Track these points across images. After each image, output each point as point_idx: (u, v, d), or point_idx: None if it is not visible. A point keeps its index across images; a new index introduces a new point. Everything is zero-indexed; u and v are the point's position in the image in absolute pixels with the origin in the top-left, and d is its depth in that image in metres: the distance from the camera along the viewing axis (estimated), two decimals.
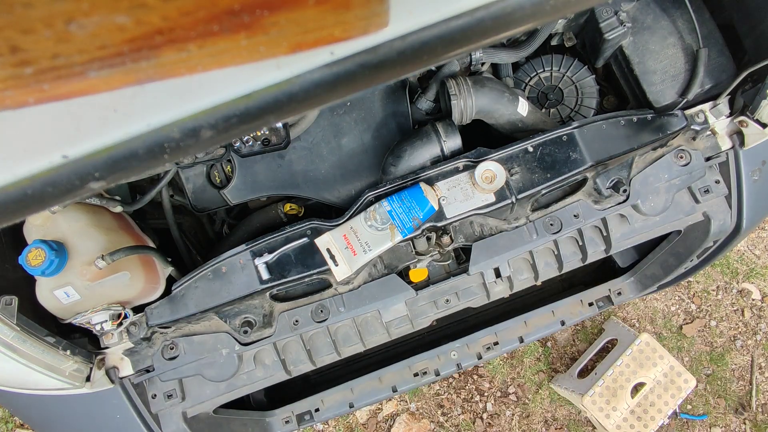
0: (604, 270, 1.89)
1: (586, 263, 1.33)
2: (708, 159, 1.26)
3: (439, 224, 1.18)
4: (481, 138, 1.37)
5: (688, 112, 1.25)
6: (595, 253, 1.32)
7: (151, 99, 0.42)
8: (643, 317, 2.51)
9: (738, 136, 1.26)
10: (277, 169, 1.34)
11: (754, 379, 2.41)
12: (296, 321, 1.25)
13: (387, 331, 1.29)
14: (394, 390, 1.66)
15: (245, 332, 1.23)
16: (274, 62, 0.43)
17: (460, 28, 0.44)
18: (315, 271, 1.18)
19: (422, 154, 1.25)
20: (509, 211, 1.24)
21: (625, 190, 1.23)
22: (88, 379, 1.20)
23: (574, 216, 1.26)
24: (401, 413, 2.44)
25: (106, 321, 1.18)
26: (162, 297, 1.23)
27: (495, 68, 1.45)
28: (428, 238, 1.21)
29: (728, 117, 1.28)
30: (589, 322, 2.51)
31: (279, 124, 1.20)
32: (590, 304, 1.73)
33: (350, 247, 1.15)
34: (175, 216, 1.40)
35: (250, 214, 1.49)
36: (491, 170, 1.15)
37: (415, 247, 1.23)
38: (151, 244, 1.35)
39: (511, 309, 1.90)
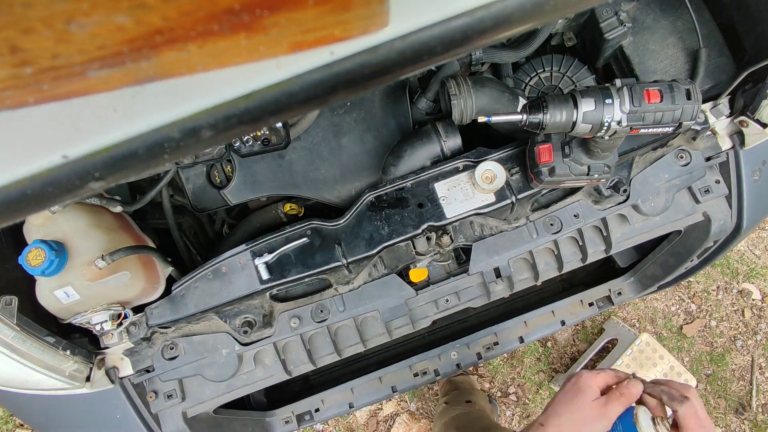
0: (605, 270, 1.89)
1: (586, 263, 1.33)
2: (708, 159, 1.26)
3: (439, 224, 1.18)
4: (481, 138, 1.37)
5: None
6: (595, 253, 1.32)
7: (151, 99, 0.42)
8: (643, 317, 2.51)
9: (738, 136, 1.26)
10: (277, 169, 1.34)
11: (754, 380, 2.41)
12: (296, 321, 1.25)
13: (387, 332, 1.29)
14: (394, 390, 1.66)
15: (245, 332, 1.23)
16: (274, 62, 0.43)
17: (460, 28, 0.44)
18: (315, 271, 1.18)
19: (422, 154, 1.25)
20: (509, 211, 1.24)
21: (625, 190, 1.23)
22: (88, 379, 1.20)
23: (574, 216, 1.26)
24: (401, 413, 2.44)
25: (106, 321, 1.18)
26: (162, 297, 1.24)
27: (495, 68, 1.45)
28: (428, 238, 1.21)
29: (728, 117, 1.28)
30: (589, 322, 2.51)
31: (279, 124, 1.20)
32: (590, 305, 1.73)
33: None
34: (175, 216, 1.41)
35: (250, 214, 1.49)
36: (491, 170, 1.15)
37: (415, 247, 1.23)
38: (151, 244, 1.35)
39: (511, 309, 1.90)
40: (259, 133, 1.22)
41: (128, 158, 0.43)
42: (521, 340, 1.68)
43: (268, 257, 1.17)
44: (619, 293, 1.73)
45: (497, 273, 1.27)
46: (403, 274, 1.29)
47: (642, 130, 0.95)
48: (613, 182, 1.24)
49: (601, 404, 0.88)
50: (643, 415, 0.90)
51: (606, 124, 0.94)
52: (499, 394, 2.46)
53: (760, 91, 1.20)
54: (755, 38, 1.22)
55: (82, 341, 1.24)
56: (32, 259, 1.04)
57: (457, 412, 1.87)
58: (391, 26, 0.43)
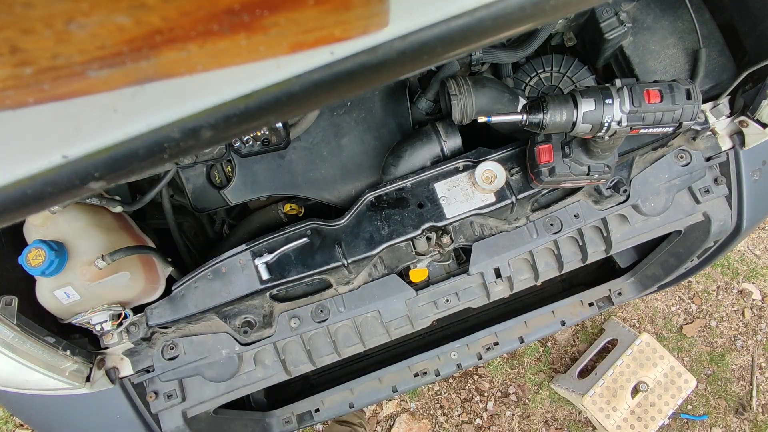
0: (605, 270, 1.89)
1: (586, 263, 1.33)
2: (708, 159, 1.26)
3: (439, 224, 1.18)
4: (481, 138, 1.37)
5: None
6: (596, 254, 1.32)
7: (151, 99, 0.42)
8: (643, 317, 2.51)
9: (738, 136, 1.26)
10: (277, 169, 1.34)
11: (754, 380, 2.41)
12: (296, 321, 1.25)
13: (387, 332, 1.29)
14: (394, 390, 1.66)
15: (245, 332, 1.23)
16: (274, 62, 0.43)
17: (460, 28, 0.44)
18: (315, 271, 1.18)
19: (422, 154, 1.25)
20: (509, 211, 1.24)
21: (625, 191, 1.23)
22: (88, 379, 1.20)
23: (575, 216, 1.26)
24: (401, 413, 2.44)
25: (106, 321, 1.18)
26: (162, 297, 1.23)
27: (495, 68, 1.45)
28: (428, 238, 1.21)
29: (728, 117, 1.28)
30: (589, 323, 2.51)
31: (279, 124, 1.20)
32: (590, 305, 1.73)
33: None
34: (175, 216, 1.40)
35: (250, 214, 1.49)
36: (491, 170, 1.15)
37: (415, 247, 1.23)
38: (151, 244, 1.35)
39: (512, 309, 1.90)
40: (259, 133, 1.22)
41: (128, 158, 0.43)
42: (521, 340, 1.68)
43: (268, 257, 1.17)
44: (619, 293, 1.73)
45: (497, 273, 1.27)
46: (403, 274, 1.29)
47: (642, 130, 0.95)
48: (613, 182, 1.24)
49: None
50: None
51: (606, 124, 0.94)
52: (499, 394, 2.46)
53: (760, 91, 1.19)
54: (755, 38, 1.22)
55: (82, 341, 1.24)
56: (32, 259, 1.04)
57: None
58: (391, 26, 0.43)
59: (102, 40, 0.35)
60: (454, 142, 1.25)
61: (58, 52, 0.35)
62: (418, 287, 1.29)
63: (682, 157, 1.25)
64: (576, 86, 1.41)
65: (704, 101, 1.28)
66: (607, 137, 0.97)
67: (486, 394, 2.47)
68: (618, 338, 2.34)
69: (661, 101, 0.92)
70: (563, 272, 1.33)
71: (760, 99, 1.20)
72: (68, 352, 1.15)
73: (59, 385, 1.16)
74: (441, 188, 1.20)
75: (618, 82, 0.94)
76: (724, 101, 1.28)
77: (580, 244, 1.31)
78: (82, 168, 0.43)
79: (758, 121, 1.23)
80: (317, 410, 1.66)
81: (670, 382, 2.14)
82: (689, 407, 2.39)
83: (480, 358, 1.65)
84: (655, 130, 0.95)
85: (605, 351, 2.38)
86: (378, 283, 1.26)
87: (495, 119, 0.99)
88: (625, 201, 1.25)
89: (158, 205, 1.46)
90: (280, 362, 1.29)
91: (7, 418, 2.45)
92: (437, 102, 1.36)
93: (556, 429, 2.40)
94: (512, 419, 2.43)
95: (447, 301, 1.30)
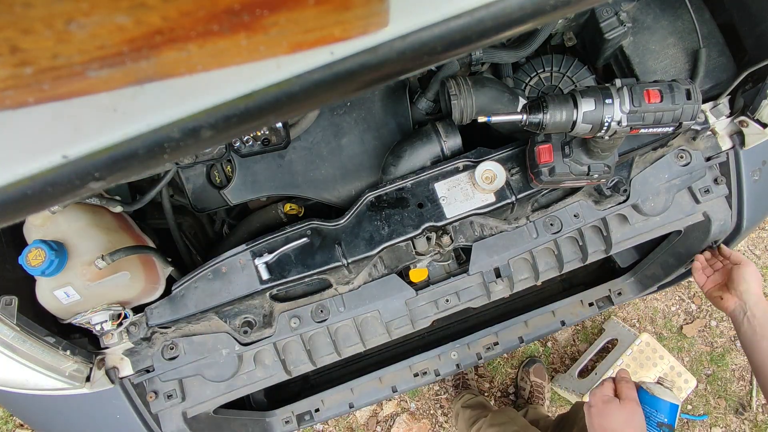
0: (605, 270, 1.89)
1: (586, 263, 1.33)
2: (708, 159, 1.26)
3: (439, 224, 1.18)
4: (481, 138, 1.37)
5: None
6: (596, 253, 1.32)
7: (151, 99, 0.42)
8: (643, 317, 2.51)
9: (738, 136, 1.26)
10: (277, 169, 1.34)
11: (754, 380, 2.41)
12: (296, 321, 1.25)
13: (387, 332, 1.29)
14: (394, 390, 1.66)
15: (245, 332, 1.23)
16: (274, 62, 0.43)
17: (460, 28, 0.44)
18: (315, 271, 1.18)
19: (422, 154, 1.25)
20: (509, 211, 1.24)
21: (625, 190, 1.23)
22: (88, 379, 1.20)
23: (575, 216, 1.26)
24: (401, 413, 2.44)
25: (106, 321, 1.18)
26: (162, 297, 1.24)
27: (495, 68, 1.45)
28: (428, 238, 1.21)
29: (728, 117, 1.28)
30: (589, 322, 2.51)
31: (279, 124, 1.20)
32: (590, 305, 1.73)
33: None
34: (175, 216, 1.41)
35: (250, 214, 1.49)
36: (491, 170, 1.15)
37: (415, 247, 1.23)
38: (151, 244, 1.35)
39: (512, 309, 1.90)
40: (259, 133, 1.22)
41: (128, 158, 0.43)
42: (521, 340, 1.68)
43: (268, 257, 1.17)
44: (619, 293, 1.73)
45: (497, 273, 1.27)
46: (403, 274, 1.29)
47: (642, 130, 0.95)
48: (613, 182, 1.24)
49: (621, 400, 1.02)
50: (651, 384, 1.08)
51: (606, 124, 0.94)
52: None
53: (760, 91, 1.20)
54: (755, 38, 1.22)
55: (82, 341, 1.24)
56: (32, 259, 1.04)
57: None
58: (391, 26, 0.43)
59: (102, 40, 0.35)
60: (454, 142, 1.25)
61: (58, 52, 0.35)
62: (418, 287, 1.29)
63: (682, 157, 1.25)
64: (576, 86, 1.41)
65: (704, 101, 1.28)
66: (607, 137, 0.97)
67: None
68: (618, 338, 2.34)
69: (661, 101, 0.92)
70: (563, 272, 1.33)
71: (760, 99, 1.20)
72: (68, 352, 1.15)
73: (59, 385, 1.16)
74: (441, 188, 1.20)
75: (618, 82, 0.94)
76: (724, 101, 1.28)
77: (580, 244, 1.31)
78: (82, 168, 0.43)
79: (758, 121, 1.23)
80: (317, 410, 1.66)
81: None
82: (689, 407, 2.39)
83: (480, 358, 1.65)
84: (655, 130, 0.96)
85: (605, 351, 2.38)
86: (378, 283, 1.26)
87: (495, 119, 0.99)
88: (625, 201, 1.25)
89: (158, 205, 1.46)
90: (280, 362, 1.29)
91: (7, 418, 2.45)
92: (437, 102, 1.36)
93: None
94: None
95: (447, 301, 1.30)
